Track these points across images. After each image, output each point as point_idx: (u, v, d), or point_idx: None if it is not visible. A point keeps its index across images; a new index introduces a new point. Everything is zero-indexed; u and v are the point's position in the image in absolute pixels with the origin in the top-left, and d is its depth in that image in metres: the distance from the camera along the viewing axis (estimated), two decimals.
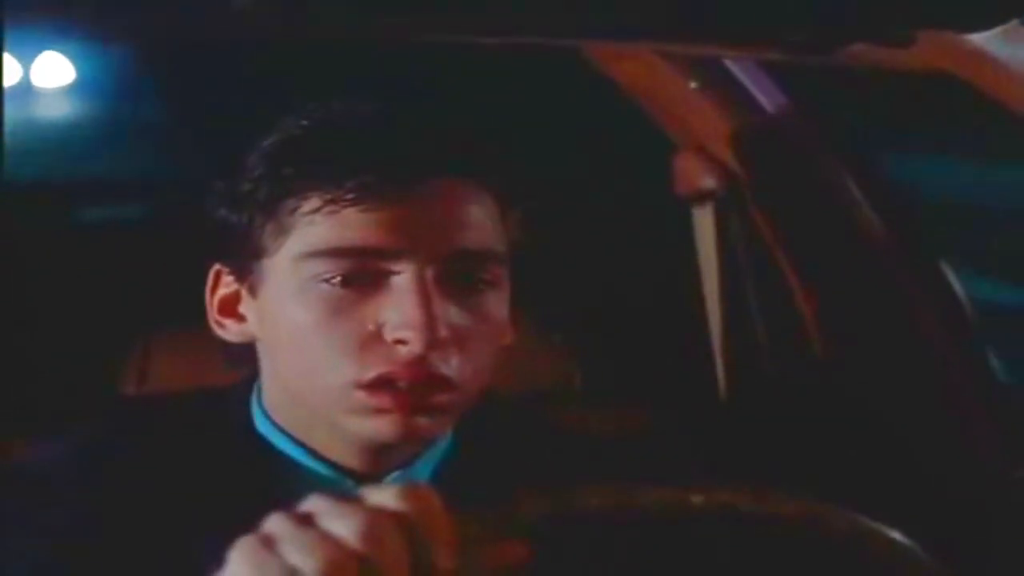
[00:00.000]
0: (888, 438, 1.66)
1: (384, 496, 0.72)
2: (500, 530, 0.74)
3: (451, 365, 0.95)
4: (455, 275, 0.96)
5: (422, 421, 0.96)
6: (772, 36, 1.23)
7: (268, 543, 0.71)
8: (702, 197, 1.74)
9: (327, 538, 0.71)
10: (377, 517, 0.71)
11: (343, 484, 1.00)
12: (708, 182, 1.71)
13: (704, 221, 1.75)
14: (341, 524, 0.71)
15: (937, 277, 1.60)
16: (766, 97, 1.65)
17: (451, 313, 0.95)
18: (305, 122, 0.99)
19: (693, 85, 1.67)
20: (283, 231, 0.97)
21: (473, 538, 0.73)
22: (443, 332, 0.94)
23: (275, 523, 0.72)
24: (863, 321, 1.69)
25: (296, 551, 0.70)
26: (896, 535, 0.80)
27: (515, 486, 0.76)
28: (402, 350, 0.94)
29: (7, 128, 1.16)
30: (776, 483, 0.80)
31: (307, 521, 0.72)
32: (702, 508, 0.78)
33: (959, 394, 1.58)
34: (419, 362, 0.94)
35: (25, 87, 3.00)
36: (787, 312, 1.72)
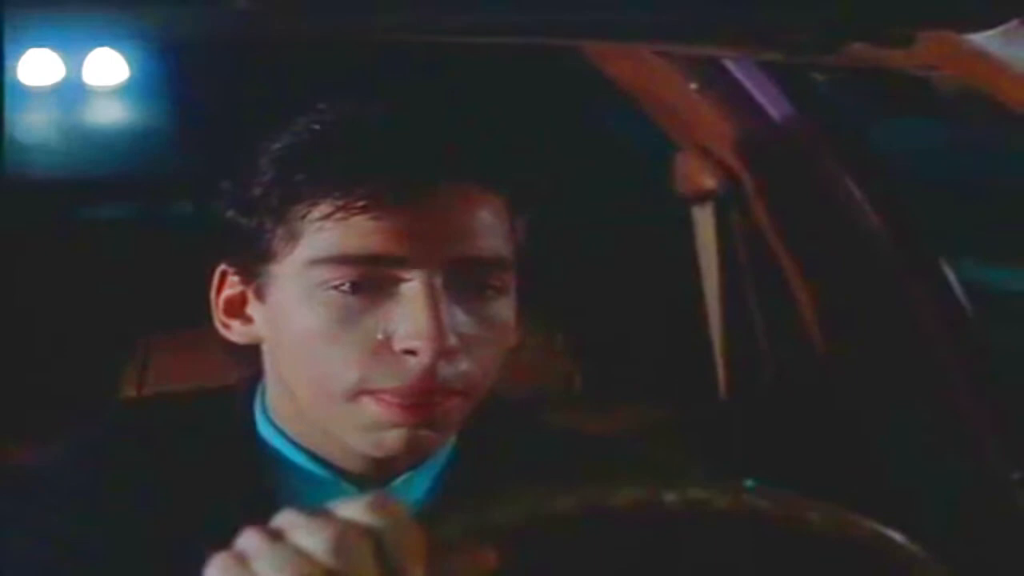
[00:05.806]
0: (888, 438, 1.66)
1: (353, 510, 0.73)
2: (471, 535, 0.74)
3: (459, 374, 0.95)
4: (464, 282, 0.96)
5: (428, 433, 0.96)
6: (772, 36, 1.23)
7: (241, 560, 0.72)
8: (702, 197, 1.74)
9: (298, 553, 0.71)
10: (347, 531, 0.71)
11: (346, 489, 1.00)
12: (708, 182, 1.71)
13: (704, 221, 1.75)
14: (311, 539, 0.71)
15: (937, 277, 1.60)
16: (766, 98, 1.65)
17: (460, 321, 0.95)
18: (315, 126, 0.99)
19: (693, 86, 1.67)
20: (293, 236, 0.96)
21: (444, 545, 0.73)
22: (452, 341, 0.94)
23: (247, 539, 0.73)
24: (863, 320, 1.69)
25: (268, 567, 0.71)
26: (875, 526, 0.80)
27: (502, 489, 0.76)
28: (411, 360, 0.94)
29: (9, 127, 1.16)
30: (776, 482, 0.80)
31: (278, 536, 0.72)
32: (675, 506, 0.77)
33: (959, 394, 1.58)
34: (428, 374, 0.94)
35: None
36: (787, 312, 1.72)
